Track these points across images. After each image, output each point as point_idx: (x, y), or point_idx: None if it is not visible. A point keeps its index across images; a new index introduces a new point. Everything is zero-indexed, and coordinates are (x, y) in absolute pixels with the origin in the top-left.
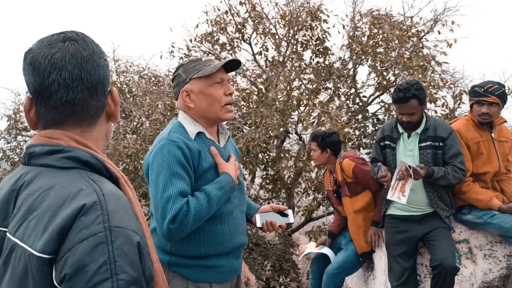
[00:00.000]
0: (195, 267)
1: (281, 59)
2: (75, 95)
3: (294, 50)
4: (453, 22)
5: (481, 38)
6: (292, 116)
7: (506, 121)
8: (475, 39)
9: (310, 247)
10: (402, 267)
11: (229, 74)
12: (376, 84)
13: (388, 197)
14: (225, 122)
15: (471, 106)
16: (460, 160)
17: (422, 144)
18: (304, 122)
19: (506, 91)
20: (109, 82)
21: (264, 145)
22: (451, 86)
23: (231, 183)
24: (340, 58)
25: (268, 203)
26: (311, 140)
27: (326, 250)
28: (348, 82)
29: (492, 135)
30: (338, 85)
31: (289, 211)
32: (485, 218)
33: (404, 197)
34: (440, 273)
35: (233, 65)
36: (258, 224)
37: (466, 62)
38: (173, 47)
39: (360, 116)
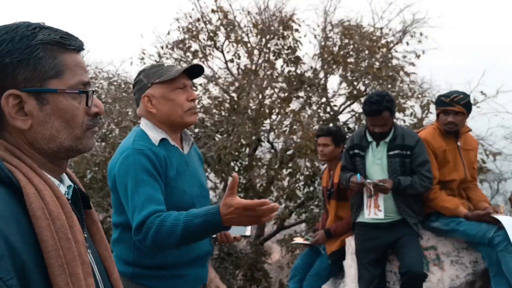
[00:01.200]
0: (159, 277)
1: (253, 67)
2: None
3: (266, 58)
4: (421, 34)
5: (449, 49)
6: (264, 124)
7: (471, 130)
8: (443, 50)
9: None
10: (372, 274)
11: (201, 81)
12: (347, 93)
13: (366, 216)
14: (191, 127)
15: (437, 115)
16: (427, 168)
17: (391, 153)
18: (276, 131)
19: (471, 101)
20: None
21: (236, 153)
22: (419, 96)
23: (215, 221)
24: (311, 67)
25: None
26: (325, 135)
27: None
28: (320, 91)
29: (458, 143)
30: (310, 94)
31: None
32: (452, 225)
33: (380, 212)
34: (408, 279)
35: (197, 72)
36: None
37: (434, 73)
38: (144, 53)
39: (331, 125)
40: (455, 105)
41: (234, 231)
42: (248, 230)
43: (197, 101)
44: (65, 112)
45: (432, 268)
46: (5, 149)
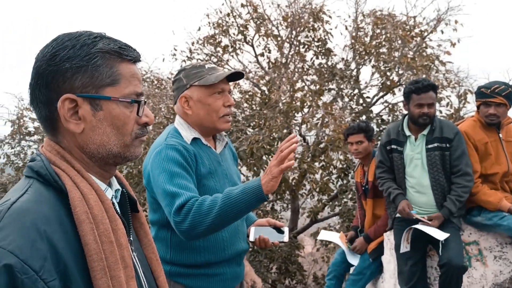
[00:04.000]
0: (196, 276)
1: (283, 61)
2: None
3: (296, 51)
4: (456, 22)
5: (485, 37)
6: (295, 118)
7: None
8: (479, 38)
9: (335, 239)
10: (412, 270)
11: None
12: (379, 84)
13: (402, 251)
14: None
15: (477, 107)
16: (465, 162)
17: (429, 146)
18: (308, 124)
19: None
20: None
21: (268, 147)
22: (456, 85)
23: (253, 185)
24: (343, 59)
25: (273, 205)
26: (357, 132)
27: (347, 252)
28: (351, 82)
29: (500, 135)
30: (341, 86)
31: (285, 229)
32: (495, 219)
33: (408, 244)
34: (447, 271)
35: (236, 74)
36: (251, 238)
37: (470, 61)
38: (175, 50)
39: (364, 117)
40: (496, 97)
41: (272, 237)
42: (286, 236)
43: (233, 102)
44: (117, 119)
45: (475, 264)
46: (57, 153)
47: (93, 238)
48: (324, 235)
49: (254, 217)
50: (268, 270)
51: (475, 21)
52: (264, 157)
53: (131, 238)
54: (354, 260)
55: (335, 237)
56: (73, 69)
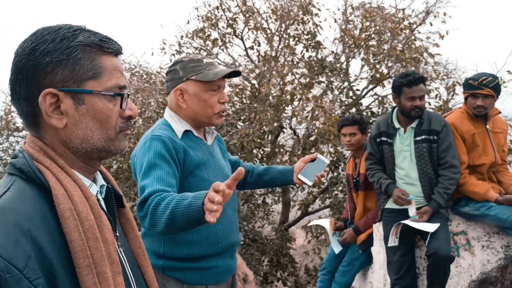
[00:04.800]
0: (189, 269)
1: (273, 54)
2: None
3: (286, 44)
4: (445, 14)
5: (474, 29)
6: (286, 111)
7: (500, 112)
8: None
9: (325, 223)
10: (401, 260)
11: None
12: (369, 77)
13: (389, 244)
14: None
15: (465, 99)
16: (452, 154)
17: (417, 138)
18: (298, 117)
19: (499, 82)
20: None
21: (259, 140)
22: (444, 77)
23: (196, 206)
24: (332, 51)
25: (264, 198)
26: (351, 124)
27: (330, 239)
28: (341, 75)
29: (487, 126)
30: (331, 79)
31: (319, 155)
32: (482, 210)
33: (397, 239)
34: (435, 261)
35: (232, 72)
36: (310, 183)
37: (459, 53)
38: (164, 43)
39: (354, 110)
40: (484, 88)
41: (320, 167)
42: (325, 159)
43: (228, 99)
44: (100, 113)
45: (463, 253)
46: (40, 149)
47: (78, 235)
48: (315, 221)
49: (286, 167)
50: (259, 263)
51: (464, 13)
52: (254, 151)
53: (117, 234)
54: (336, 247)
55: (325, 222)
56: (53, 63)
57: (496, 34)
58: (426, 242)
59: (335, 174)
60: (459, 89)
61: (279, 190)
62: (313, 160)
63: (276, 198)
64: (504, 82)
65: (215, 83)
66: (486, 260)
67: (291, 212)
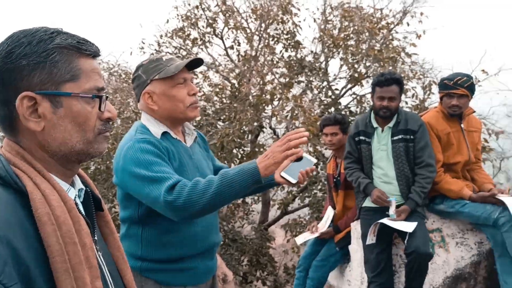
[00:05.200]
0: (168, 271)
1: (253, 53)
2: None
3: (266, 44)
4: (421, 14)
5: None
6: (265, 111)
7: (474, 111)
8: (443, 30)
9: (308, 236)
10: (378, 258)
11: (201, 69)
12: (347, 76)
13: (367, 243)
14: (193, 121)
15: (441, 99)
16: (428, 154)
17: (394, 138)
18: (277, 116)
19: (474, 82)
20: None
21: (239, 140)
22: (421, 77)
23: (250, 167)
24: (312, 51)
25: (243, 197)
26: (333, 124)
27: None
28: (320, 75)
29: (462, 125)
30: (311, 79)
31: (304, 154)
32: (457, 207)
33: (374, 237)
34: (414, 259)
35: (196, 63)
36: (294, 181)
37: (435, 53)
38: (144, 43)
39: (333, 109)
40: (459, 88)
41: (305, 164)
42: (312, 158)
43: (198, 89)
44: (78, 115)
45: (438, 250)
46: (17, 153)
47: (55, 240)
48: (301, 239)
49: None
50: (239, 263)
51: (440, 13)
52: (234, 151)
53: (95, 238)
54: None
55: (309, 236)
56: (30, 66)
57: (472, 35)
58: (405, 241)
59: (315, 173)
60: (435, 88)
61: None
62: (298, 159)
63: (256, 197)
64: (478, 81)
65: (178, 76)
66: (460, 257)
67: (271, 211)
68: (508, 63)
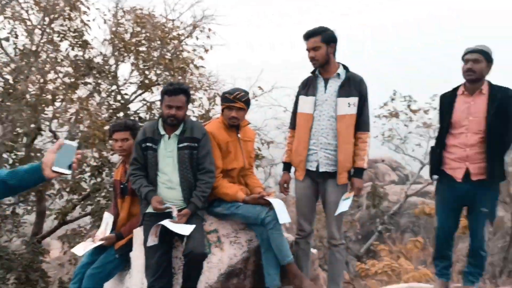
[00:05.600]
0: None
1: (34, 48)
2: None
3: (49, 39)
4: (210, 30)
5: (235, 46)
6: (45, 112)
7: (249, 123)
8: (228, 47)
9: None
10: (158, 262)
11: None
12: (138, 82)
13: (149, 244)
14: None
15: (222, 110)
16: (209, 161)
17: (180, 145)
18: (60, 119)
19: (250, 97)
20: None
21: (11, 143)
22: (207, 88)
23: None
24: (101, 53)
25: (14, 208)
26: (123, 129)
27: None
28: (110, 78)
29: (239, 135)
30: (99, 81)
31: (65, 140)
32: (232, 209)
33: (156, 238)
34: (190, 260)
35: None
36: (69, 172)
37: (221, 68)
38: None
39: (121, 114)
40: (237, 102)
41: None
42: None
43: None
44: None
45: (214, 250)
46: None
47: None
48: (81, 249)
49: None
50: (4, 282)
51: (227, 31)
52: (5, 155)
53: None
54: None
55: (91, 245)
56: None
57: (251, 54)
58: (183, 243)
59: (99, 180)
60: (219, 100)
61: (33, 199)
62: (60, 147)
63: (29, 207)
64: (255, 96)
65: None
66: (233, 254)
67: (47, 222)
68: (280, 82)
